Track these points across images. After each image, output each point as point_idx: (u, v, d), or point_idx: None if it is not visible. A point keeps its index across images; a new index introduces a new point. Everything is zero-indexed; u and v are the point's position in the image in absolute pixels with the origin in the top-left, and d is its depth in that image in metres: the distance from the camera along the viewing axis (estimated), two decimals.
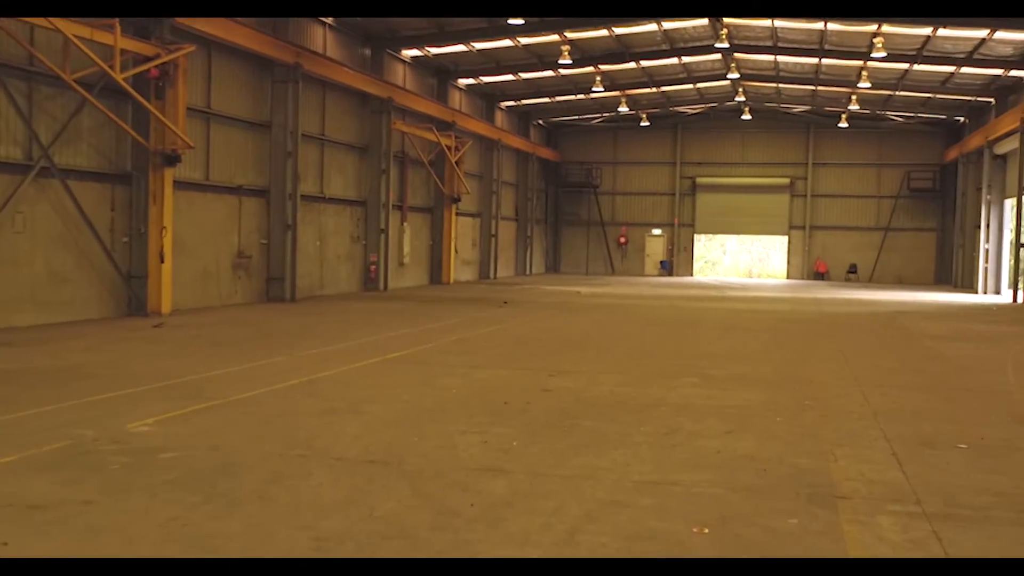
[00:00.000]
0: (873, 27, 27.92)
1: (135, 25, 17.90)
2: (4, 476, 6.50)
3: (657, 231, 48.42)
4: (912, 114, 42.30)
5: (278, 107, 23.34)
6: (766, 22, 29.70)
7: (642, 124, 46.13)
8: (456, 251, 35.33)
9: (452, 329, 17.62)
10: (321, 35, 26.15)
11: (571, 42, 30.98)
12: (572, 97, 40.88)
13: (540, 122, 46.49)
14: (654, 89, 40.32)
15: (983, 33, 27.25)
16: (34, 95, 16.53)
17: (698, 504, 6.13)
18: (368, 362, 12.68)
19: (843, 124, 43.83)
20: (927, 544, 5.38)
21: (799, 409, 9.68)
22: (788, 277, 46.84)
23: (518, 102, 41.62)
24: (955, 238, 40.50)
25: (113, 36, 16.70)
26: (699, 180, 47.63)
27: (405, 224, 31.18)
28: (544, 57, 33.35)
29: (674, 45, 33.46)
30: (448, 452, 7.44)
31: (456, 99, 36.10)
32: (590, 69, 35.19)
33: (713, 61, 36.07)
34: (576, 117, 46.40)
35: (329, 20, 26.32)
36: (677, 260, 48.18)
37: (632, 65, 35.33)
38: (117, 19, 16.57)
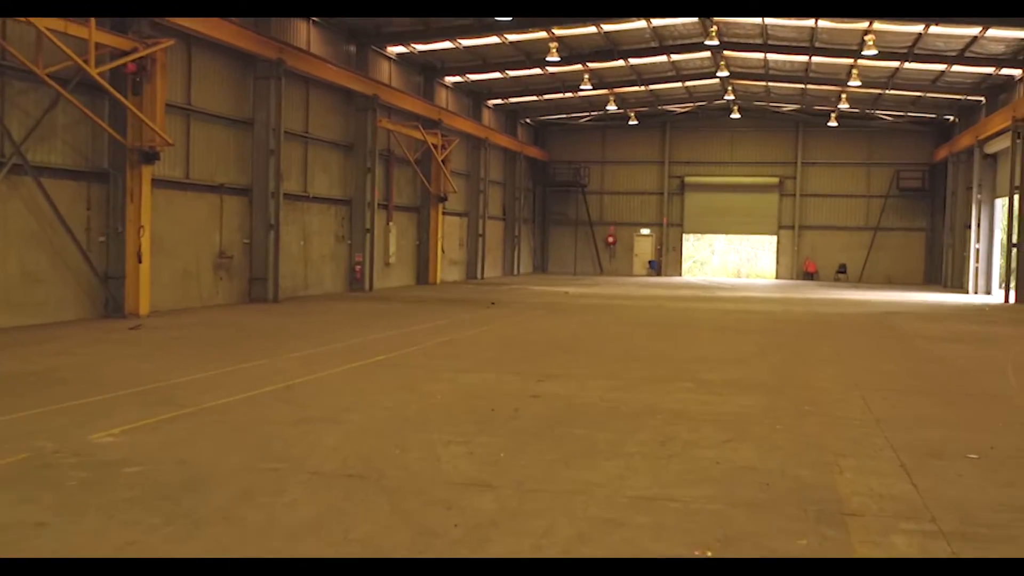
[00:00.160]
0: (865, 24, 27.61)
1: (112, 19, 17.39)
2: None
3: (645, 231, 48.07)
4: (902, 113, 42.08)
5: (260, 104, 22.84)
6: (756, 19, 29.35)
7: (630, 123, 45.75)
8: (443, 251, 34.87)
9: (438, 331, 17.18)
10: (305, 31, 25.64)
11: (559, 39, 30.61)
12: (560, 95, 40.45)
13: (528, 121, 46.06)
14: (642, 87, 39.95)
15: (975, 31, 26.98)
16: (6, 90, 15.98)
17: (698, 522, 5.72)
18: (350, 366, 12.23)
19: (832, 123, 43.56)
20: None
21: (799, 415, 9.29)
22: (777, 277, 46.56)
23: (505, 100, 41.19)
24: (944, 238, 40.28)
25: (88, 30, 16.21)
26: (687, 179, 47.29)
27: (391, 223, 30.71)
28: (532, 54, 32.93)
29: (663, 42, 33.08)
30: (431, 465, 7.00)
31: (443, 97, 35.63)
32: (578, 67, 34.77)
33: (702, 59, 35.73)
34: (564, 116, 45.99)
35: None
36: (665, 260, 47.83)
37: (620, 63, 34.94)
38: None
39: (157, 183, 19.14)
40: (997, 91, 33.63)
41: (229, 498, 6.02)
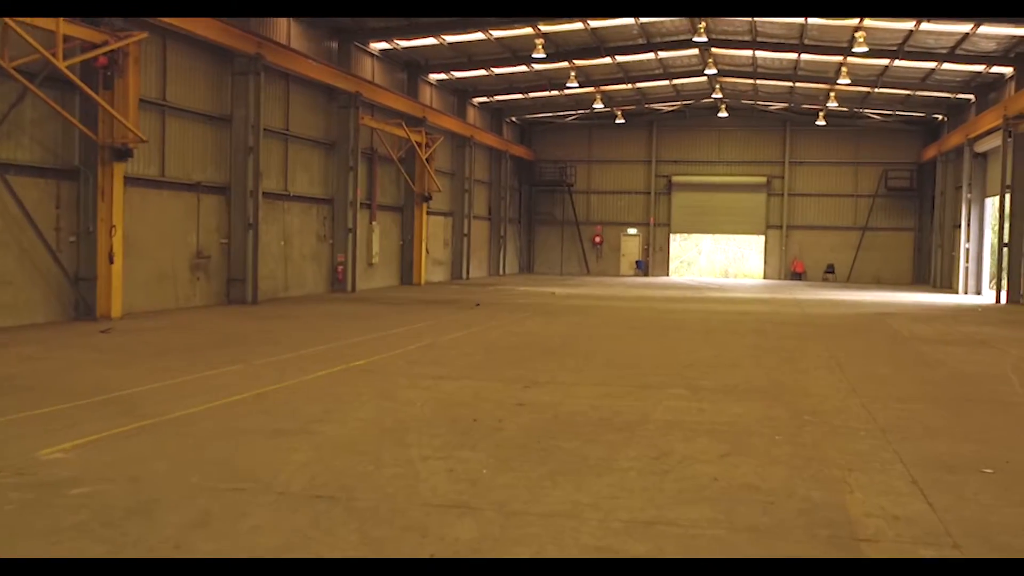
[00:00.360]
0: (855, 21, 27.20)
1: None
2: None
3: (632, 230, 47.61)
4: (890, 112, 41.77)
5: (239, 100, 22.21)
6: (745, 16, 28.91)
7: (617, 122, 45.26)
8: (427, 251, 34.30)
9: (420, 334, 16.62)
10: (285, 26, 25.03)
11: (545, 35, 30.11)
12: (546, 93, 39.92)
13: (513, 119, 45.51)
14: (629, 85, 39.49)
15: (967, 27, 26.60)
16: None
17: (699, 550, 5.20)
18: (327, 372, 11.67)
19: (821, 122, 43.21)
20: None
21: (799, 425, 8.79)
22: (765, 277, 46.19)
23: (490, 98, 40.63)
24: (933, 238, 39.99)
25: (55, 21, 15.57)
26: (675, 179, 46.86)
27: (374, 223, 30.12)
28: (517, 51, 32.39)
29: (650, 39, 32.59)
30: (407, 484, 6.46)
31: (427, 94, 35.05)
32: (564, 64, 34.23)
33: (690, 56, 35.27)
34: (550, 114, 45.48)
35: None
36: (653, 260, 47.39)
37: (607, 60, 34.46)
38: None
39: (131, 181, 18.54)
40: (987, 89, 33.30)
41: (183, 524, 5.46)
